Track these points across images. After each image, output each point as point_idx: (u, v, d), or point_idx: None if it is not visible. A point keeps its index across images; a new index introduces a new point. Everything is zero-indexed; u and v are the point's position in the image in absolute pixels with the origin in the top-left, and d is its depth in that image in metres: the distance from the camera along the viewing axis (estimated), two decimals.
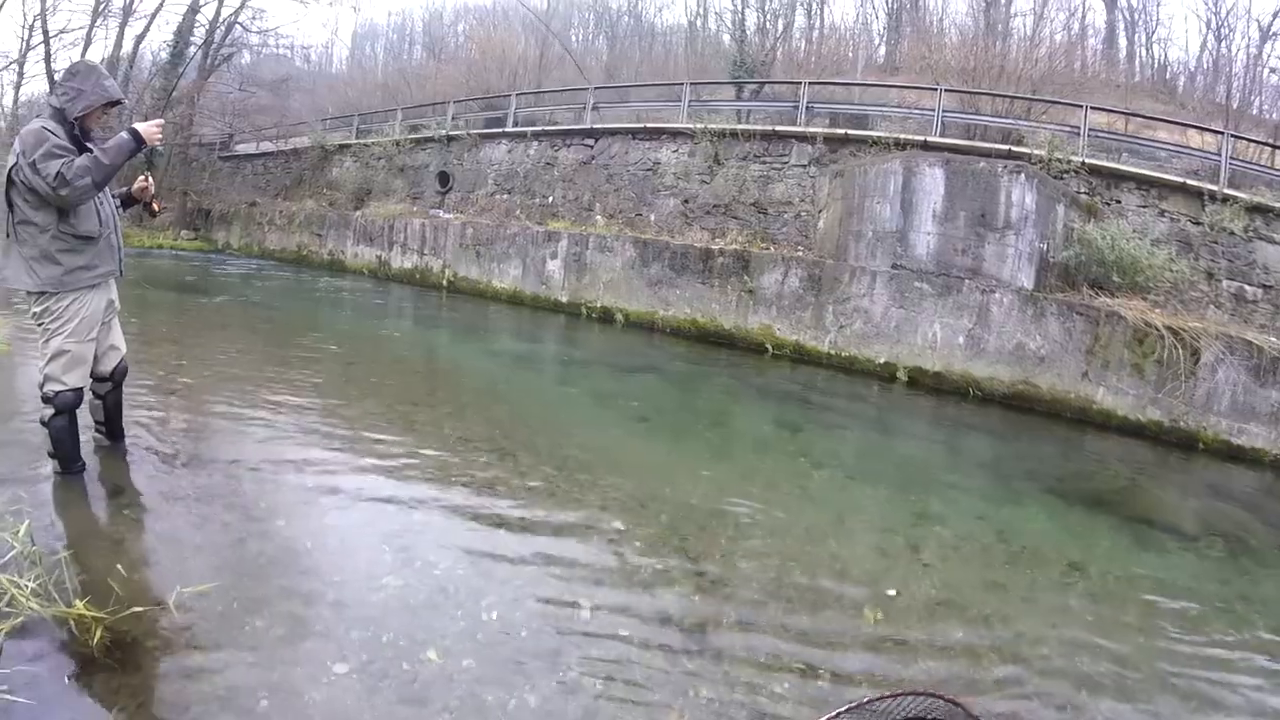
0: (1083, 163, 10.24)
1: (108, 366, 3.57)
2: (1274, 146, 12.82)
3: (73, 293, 3.22)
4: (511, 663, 2.45)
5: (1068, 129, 11.32)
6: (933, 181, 9.55)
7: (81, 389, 3.34)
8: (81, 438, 3.48)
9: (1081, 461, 6.78)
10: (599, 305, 11.96)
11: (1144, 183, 10.27)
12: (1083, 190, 10.24)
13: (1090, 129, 11.06)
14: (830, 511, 4.19)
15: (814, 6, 32.71)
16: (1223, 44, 26.65)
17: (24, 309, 3.44)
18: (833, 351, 9.73)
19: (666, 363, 8.85)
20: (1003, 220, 9.18)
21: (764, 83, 18.27)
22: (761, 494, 4.33)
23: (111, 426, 3.82)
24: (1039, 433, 7.46)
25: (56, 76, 21.33)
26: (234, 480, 3.71)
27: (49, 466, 3.43)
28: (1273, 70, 23.99)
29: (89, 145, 3.18)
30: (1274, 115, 21.57)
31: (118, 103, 3.31)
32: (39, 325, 3.28)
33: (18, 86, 25.16)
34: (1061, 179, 10.03)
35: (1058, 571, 3.87)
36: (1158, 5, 29.67)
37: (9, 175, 3.07)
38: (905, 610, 3.15)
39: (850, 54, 28.90)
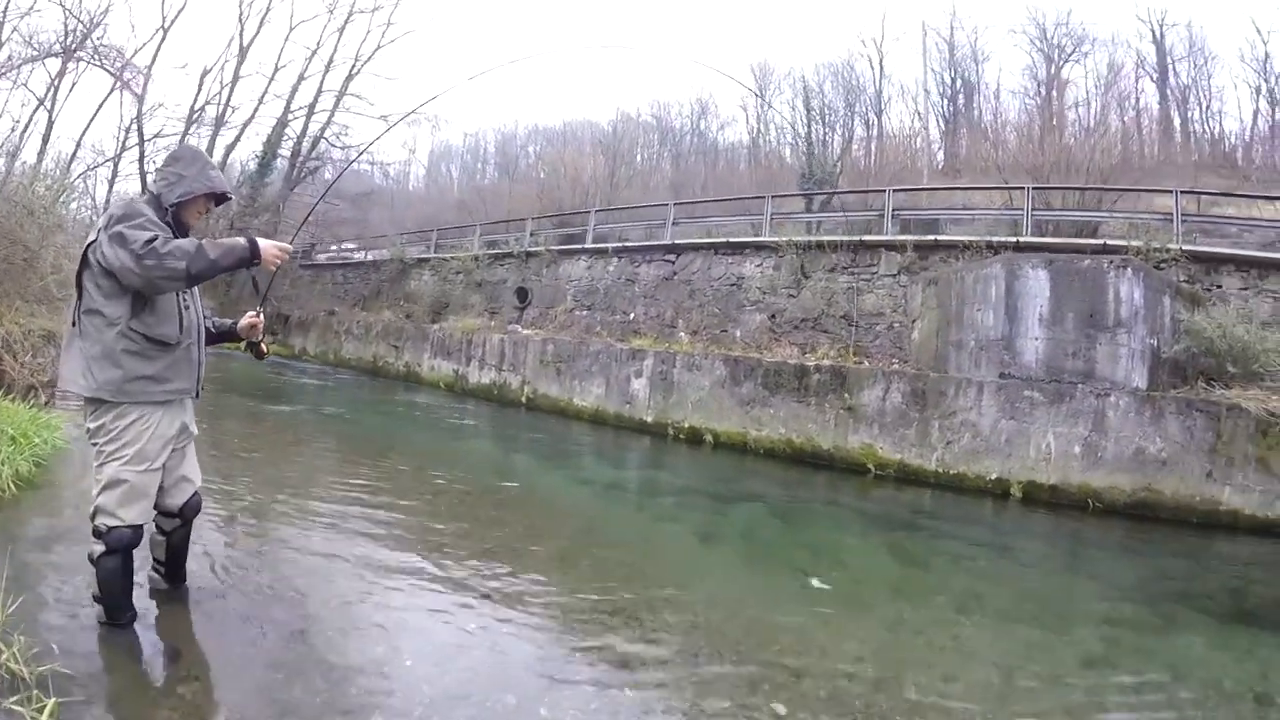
0: (1181, 250, 9.83)
1: (177, 501, 2.96)
2: None
3: (136, 407, 2.66)
4: None
5: (1159, 216, 11.06)
6: (1037, 283, 9.09)
7: (141, 526, 2.73)
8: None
9: (1223, 572, 6.30)
10: (686, 425, 11.37)
11: (1242, 264, 9.93)
12: (1184, 279, 9.74)
13: (1167, 214, 10.84)
14: (995, 668, 3.63)
15: (871, 117, 33.61)
16: (1276, 109, 25.95)
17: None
18: (940, 470, 9.03)
19: (766, 489, 8.17)
20: (1113, 319, 8.67)
21: (849, 192, 18.07)
22: (919, 653, 3.75)
23: (173, 568, 3.17)
24: (1169, 543, 6.93)
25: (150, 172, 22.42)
26: (310, 637, 3.05)
27: (92, 613, 2.79)
28: None
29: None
30: None
31: (223, 198, 2.91)
32: (93, 444, 2.70)
33: (111, 183, 27.09)
34: (1162, 269, 9.58)
35: (1249, 710, 3.43)
36: (1208, 78, 29.36)
37: (84, 253, 2.60)
38: None
39: (910, 161, 29.39)
